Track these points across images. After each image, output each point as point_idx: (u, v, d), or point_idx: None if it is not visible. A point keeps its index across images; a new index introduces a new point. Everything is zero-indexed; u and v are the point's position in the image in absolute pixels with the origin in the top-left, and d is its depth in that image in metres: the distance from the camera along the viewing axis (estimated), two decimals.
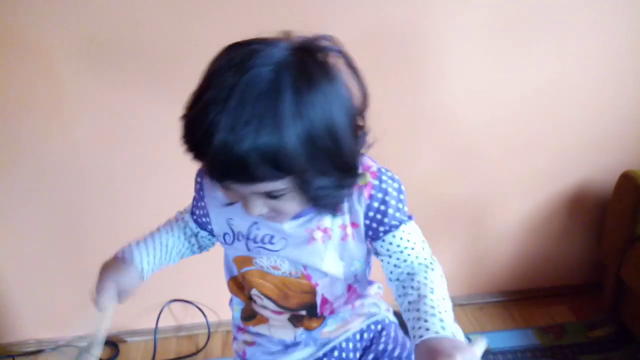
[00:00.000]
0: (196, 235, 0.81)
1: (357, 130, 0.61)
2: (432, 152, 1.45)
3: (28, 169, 1.30)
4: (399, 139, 1.37)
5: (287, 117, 0.50)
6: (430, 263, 0.70)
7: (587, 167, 1.56)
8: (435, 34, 1.27)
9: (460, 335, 0.60)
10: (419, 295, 0.63)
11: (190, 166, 1.32)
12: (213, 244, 0.84)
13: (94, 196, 1.37)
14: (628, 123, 1.50)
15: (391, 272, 0.71)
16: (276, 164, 0.51)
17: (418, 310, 0.61)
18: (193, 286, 1.57)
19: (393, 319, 0.87)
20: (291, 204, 0.60)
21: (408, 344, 0.80)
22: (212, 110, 0.50)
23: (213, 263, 1.49)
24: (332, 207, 0.64)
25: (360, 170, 0.64)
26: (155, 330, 1.56)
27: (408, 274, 0.69)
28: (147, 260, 0.74)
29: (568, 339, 1.61)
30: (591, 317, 1.68)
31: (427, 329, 0.58)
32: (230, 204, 0.68)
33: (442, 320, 0.59)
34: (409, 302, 0.64)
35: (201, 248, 0.83)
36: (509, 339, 1.61)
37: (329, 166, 0.56)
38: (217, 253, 1.48)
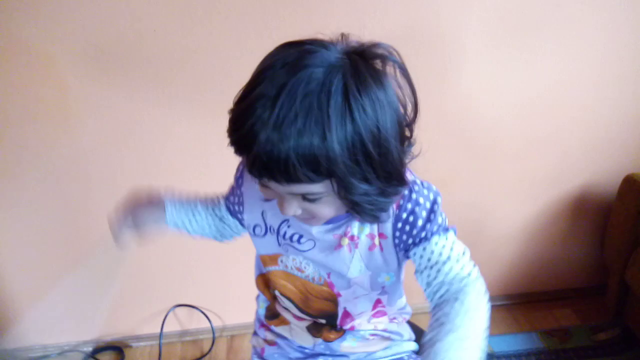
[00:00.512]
0: (220, 219, 0.82)
1: (405, 140, 0.60)
2: (436, 157, 1.45)
3: (34, 174, 1.31)
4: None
5: (334, 119, 0.50)
6: (468, 282, 0.63)
7: (590, 171, 1.56)
8: (440, 40, 1.28)
9: None
10: (437, 332, 0.56)
11: (195, 169, 1.34)
12: (233, 236, 0.85)
13: (100, 202, 1.36)
14: (630, 126, 1.51)
15: (425, 291, 0.65)
16: (316, 167, 0.51)
17: (434, 339, 0.55)
18: (198, 291, 1.58)
19: (416, 348, 0.83)
20: (327, 208, 0.59)
21: None
22: (260, 106, 0.50)
23: (217, 269, 1.52)
24: (373, 216, 0.62)
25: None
26: (160, 335, 1.57)
27: (440, 297, 0.62)
28: (172, 211, 0.79)
29: (572, 342, 1.61)
30: (596, 321, 1.68)
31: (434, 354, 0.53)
32: (267, 200, 0.67)
33: None
34: (429, 339, 0.56)
35: (222, 236, 0.84)
36: (513, 343, 1.61)
37: (372, 173, 0.55)
38: (224, 259, 1.49)
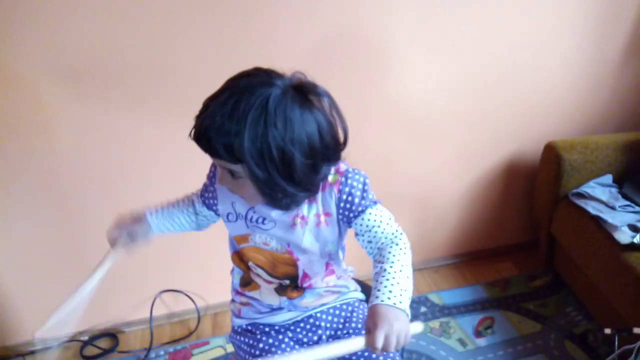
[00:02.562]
0: (197, 214, 1.01)
1: (317, 158, 0.77)
2: (380, 140, 1.64)
3: (22, 184, 1.44)
4: (357, 126, 1.56)
5: (249, 123, 0.70)
6: (396, 237, 0.83)
7: (517, 140, 1.79)
8: (371, 36, 1.46)
9: (405, 306, 0.72)
10: (380, 268, 0.77)
11: (171, 180, 1.49)
12: (209, 224, 1.04)
13: (86, 206, 1.52)
14: (549, 99, 1.73)
15: (367, 250, 0.86)
16: (230, 150, 0.72)
17: (377, 281, 0.76)
18: (181, 277, 1.74)
19: (362, 297, 1.05)
20: (244, 189, 0.79)
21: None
22: (211, 103, 0.74)
23: (198, 255, 1.69)
24: (285, 207, 0.83)
25: (325, 180, 0.84)
26: (150, 319, 1.73)
27: (378, 249, 0.83)
28: (155, 221, 0.96)
29: (512, 290, 1.86)
30: (531, 270, 1.94)
31: (377, 297, 0.72)
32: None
33: (391, 291, 0.72)
34: (375, 274, 0.78)
35: (200, 226, 1.03)
36: (461, 295, 1.85)
37: (275, 173, 0.74)
38: (201, 247, 1.66)
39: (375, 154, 1.66)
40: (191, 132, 0.76)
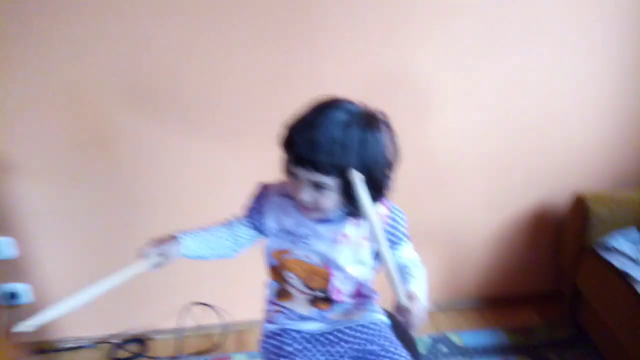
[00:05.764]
0: (235, 236, 1.06)
1: (388, 171, 0.91)
2: (415, 177, 1.72)
3: (83, 190, 1.59)
4: None
5: (352, 144, 0.84)
6: (419, 263, 1.01)
7: (546, 189, 1.84)
8: (415, 79, 1.57)
9: (425, 304, 0.90)
10: (410, 275, 0.95)
11: (213, 188, 1.60)
12: (244, 247, 1.09)
13: (131, 213, 1.65)
14: (581, 150, 1.79)
15: None
16: (331, 165, 0.84)
17: (408, 281, 0.93)
18: (210, 291, 1.83)
19: (387, 321, 1.13)
20: (328, 200, 0.89)
21: (396, 340, 1.07)
22: (309, 126, 0.85)
23: (227, 273, 1.77)
24: (358, 214, 0.92)
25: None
26: (179, 329, 1.82)
27: (403, 267, 0.99)
28: (189, 245, 1.00)
29: (533, 338, 1.86)
30: (554, 320, 1.94)
31: (412, 286, 0.91)
32: (288, 195, 0.98)
33: (420, 291, 0.91)
34: (403, 278, 0.94)
35: (235, 250, 1.07)
36: (482, 338, 1.86)
37: (368, 184, 0.86)
38: (230, 265, 1.74)
39: (405, 190, 1.73)
40: (287, 149, 0.88)
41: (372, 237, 0.88)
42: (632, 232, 1.69)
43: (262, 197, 1.04)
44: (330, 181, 0.86)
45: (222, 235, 1.05)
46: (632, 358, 1.50)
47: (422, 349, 1.78)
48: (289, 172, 0.90)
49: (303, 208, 0.93)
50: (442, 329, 1.90)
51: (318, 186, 0.88)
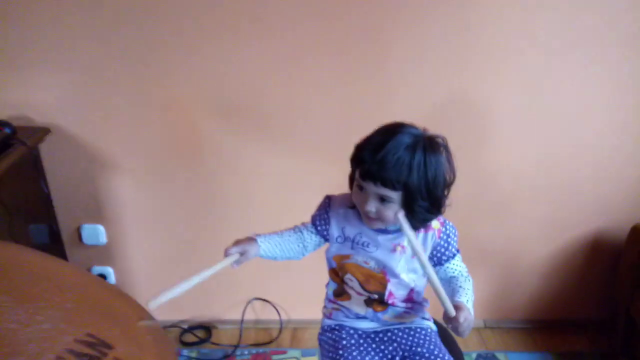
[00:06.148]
0: (304, 241, 1.19)
1: (446, 190, 1.02)
2: (473, 199, 1.80)
3: (171, 190, 1.79)
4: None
5: (416, 165, 0.96)
6: (467, 276, 1.14)
7: (604, 218, 1.85)
8: (478, 107, 1.65)
9: (472, 311, 1.03)
10: (458, 286, 1.09)
11: (280, 197, 1.75)
12: (312, 251, 1.22)
13: (208, 212, 1.84)
14: (638, 181, 1.79)
15: (442, 278, 1.15)
16: (399, 184, 0.96)
17: (457, 291, 1.07)
18: (272, 289, 1.99)
19: (434, 327, 1.23)
20: (391, 211, 1.00)
21: (443, 347, 1.16)
22: (380, 146, 0.97)
23: (289, 274, 1.91)
24: (416, 226, 1.04)
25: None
26: (242, 321, 1.99)
27: (452, 277, 1.13)
28: (264, 246, 1.14)
29: None
30: (605, 349, 1.94)
31: (461, 298, 1.04)
32: (352, 207, 1.11)
33: (468, 301, 1.05)
34: (451, 288, 1.09)
35: (301, 254, 1.21)
36: None
37: (426, 199, 0.99)
38: (292, 267, 1.90)
39: (466, 208, 1.81)
40: (358, 166, 1.01)
41: (419, 263, 0.98)
42: None
43: (328, 208, 1.16)
44: (394, 195, 0.98)
45: (292, 240, 1.19)
46: None
47: None
48: (358, 186, 1.03)
49: (367, 218, 1.04)
50: (490, 347, 1.94)
51: (383, 199, 1.00)
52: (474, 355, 1.89)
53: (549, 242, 1.90)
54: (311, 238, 1.19)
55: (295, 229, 1.21)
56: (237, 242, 1.11)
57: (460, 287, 1.09)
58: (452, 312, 0.97)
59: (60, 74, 1.60)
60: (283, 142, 1.71)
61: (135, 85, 1.62)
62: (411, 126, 1.02)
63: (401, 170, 0.95)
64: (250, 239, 1.13)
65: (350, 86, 1.62)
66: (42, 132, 1.63)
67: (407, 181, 0.96)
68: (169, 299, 0.93)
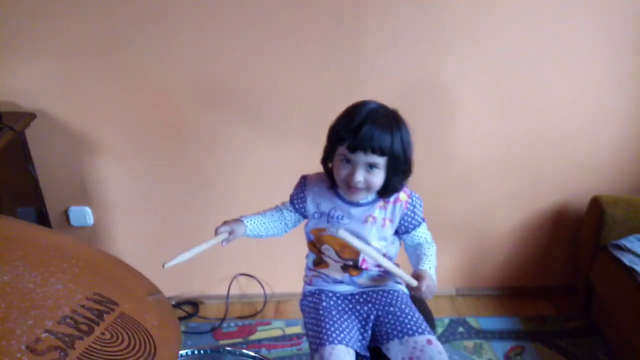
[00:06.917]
0: (285, 219, 1.30)
1: (411, 156, 1.15)
2: (443, 176, 1.91)
3: (156, 168, 1.85)
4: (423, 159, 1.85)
5: (395, 131, 1.09)
6: (431, 242, 1.27)
7: (567, 191, 1.98)
8: (445, 88, 1.75)
9: (435, 277, 1.18)
10: (424, 254, 1.22)
11: (266, 175, 1.83)
12: (291, 228, 1.33)
13: (194, 193, 1.91)
14: (601, 155, 1.92)
15: (409, 245, 1.28)
16: (385, 149, 1.07)
17: (421, 258, 1.21)
18: (256, 265, 2.08)
19: (406, 290, 1.33)
20: (377, 177, 1.11)
21: (413, 307, 1.27)
22: (362, 116, 1.08)
23: (271, 249, 2.01)
24: (392, 191, 1.17)
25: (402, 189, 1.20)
26: (227, 295, 2.08)
27: (417, 244, 1.26)
28: (250, 226, 1.25)
29: (547, 327, 2.02)
30: (568, 312, 2.09)
31: (424, 266, 1.18)
32: (333, 187, 1.21)
33: (430, 267, 1.19)
34: (417, 255, 1.24)
35: (283, 230, 1.32)
36: (498, 323, 2.03)
37: (402, 164, 1.12)
38: (274, 243, 2.00)
39: (437, 184, 1.93)
40: (344, 139, 1.09)
41: (372, 260, 1.14)
42: None
43: (304, 187, 1.26)
44: (381, 161, 1.09)
45: (274, 219, 1.30)
46: (637, 350, 1.65)
47: (440, 328, 1.97)
48: (343, 160, 1.12)
49: (354, 189, 1.14)
50: (462, 313, 2.08)
51: (371, 166, 1.10)
52: (446, 321, 2.02)
53: (516, 214, 2.03)
54: (290, 216, 1.30)
55: (277, 208, 1.32)
56: (226, 223, 1.21)
57: (424, 254, 1.22)
58: (414, 283, 1.12)
59: (45, 60, 1.64)
60: (266, 126, 1.79)
61: (121, 70, 1.68)
62: (376, 101, 1.14)
63: (386, 137, 1.07)
64: (237, 220, 1.23)
65: (327, 72, 1.70)
66: (29, 117, 1.68)
67: (391, 146, 1.08)
68: (178, 263, 1.10)
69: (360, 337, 1.21)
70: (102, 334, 0.62)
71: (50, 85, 1.68)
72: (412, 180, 1.25)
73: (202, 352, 1.16)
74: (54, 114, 1.73)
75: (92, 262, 0.80)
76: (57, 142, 1.78)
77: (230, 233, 1.19)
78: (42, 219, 1.89)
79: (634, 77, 1.79)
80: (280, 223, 1.30)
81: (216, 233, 1.18)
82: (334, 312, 1.22)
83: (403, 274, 1.11)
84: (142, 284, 0.85)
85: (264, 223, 1.27)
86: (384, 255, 1.24)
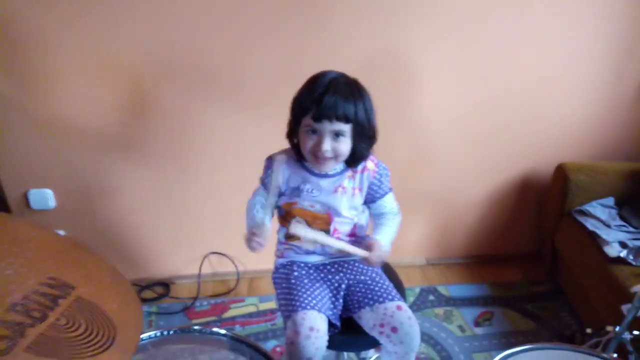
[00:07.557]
0: (263, 202, 1.28)
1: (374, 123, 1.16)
2: (411, 147, 1.91)
3: (121, 151, 1.79)
4: (388, 137, 1.84)
5: (359, 95, 1.10)
6: (396, 213, 1.29)
7: (533, 159, 2.01)
8: (412, 59, 1.73)
9: (389, 247, 1.23)
10: (381, 224, 1.27)
11: (238, 153, 1.79)
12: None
13: (157, 171, 1.86)
14: (566, 124, 1.95)
15: (375, 214, 1.31)
16: (350, 116, 1.08)
17: (378, 228, 1.26)
18: (227, 242, 2.05)
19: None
20: (344, 145, 1.12)
21: (384, 275, 1.29)
22: (324, 85, 1.08)
23: (242, 225, 1.98)
24: (360, 159, 1.18)
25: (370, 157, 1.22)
26: (199, 275, 2.06)
27: (382, 213, 1.28)
28: (268, 222, 1.24)
29: (514, 292, 2.08)
30: (535, 278, 2.15)
31: (379, 236, 1.23)
32: (300, 160, 1.20)
33: (385, 238, 1.24)
34: (379, 224, 1.28)
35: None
36: (467, 290, 2.08)
37: (367, 130, 1.13)
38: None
39: (405, 156, 1.93)
40: (309, 110, 1.09)
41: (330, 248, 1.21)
42: (610, 201, 1.87)
43: (270, 168, 1.24)
44: (347, 128, 1.10)
45: (259, 208, 1.30)
46: (598, 310, 1.71)
47: (411, 297, 2.00)
48: (309, 131, 1.12)
49: (322, 159, 1.13)
50: (432, 282, 2.11)
51: (337, 135, 1.11)
52: (417, 290, 2.05)
53: (482, 184, 2.05)
54: (266, 198, 1.28)
55: (253, 195, 1.32)
56: (253, 234, 1.19)
57: (382, 224, 1.27)
58: (363, 254, 1.18)
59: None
60: (228, 98, 1.74)
61: (75, 45, 1.59)
62: (338, 71, 1.13)
63: (350, 104, 1.08)
64: (259, 225, 1.22)
65: (293, 43, 1.65)
66: None
67: (355, 113, 1.09)
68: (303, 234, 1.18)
69: (332, 305, 1.21)
70: (57, 319, 0.59)
71: (5, 63, 1.59)
72: (379, 151, 1.25)
73: (171, 332, 1.14)
74: (9, 94, 1.64)
75: (48, 246, 0.76)
76: (15, 123, 1.70)
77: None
78: (0, 203, 1.82)
79: (599, 47, 1.81)
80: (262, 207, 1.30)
81: (251, 248, 1.20)
82: (305, 281, 1.23)
83: (354, 249, 1.17)
84: (102, 267, 0.82)
85: (255, 216, 1.30)
86: (355, 225, 1.26)
